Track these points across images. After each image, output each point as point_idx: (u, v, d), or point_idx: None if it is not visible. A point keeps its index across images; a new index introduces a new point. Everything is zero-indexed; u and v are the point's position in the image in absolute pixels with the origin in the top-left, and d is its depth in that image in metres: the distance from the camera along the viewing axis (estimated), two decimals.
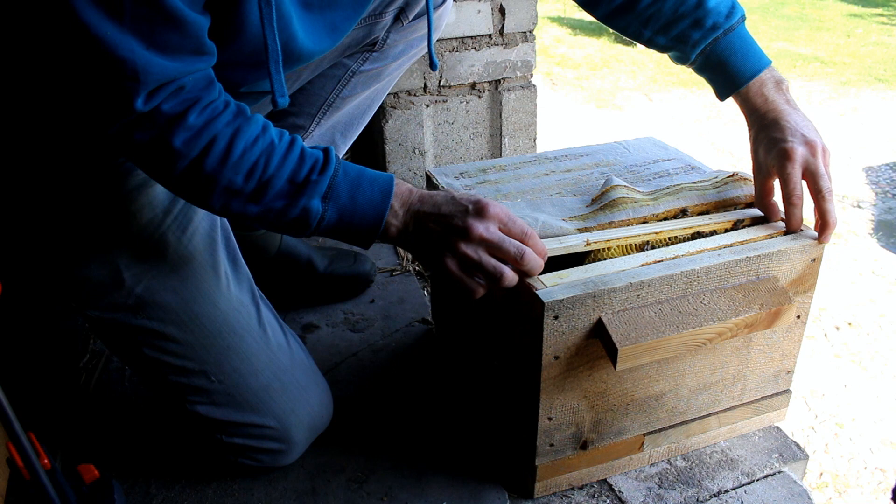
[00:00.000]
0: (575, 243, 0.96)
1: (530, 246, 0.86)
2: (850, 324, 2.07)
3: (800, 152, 0.97)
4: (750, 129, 1.05)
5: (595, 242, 0.96)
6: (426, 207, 0.86)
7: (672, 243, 0.99)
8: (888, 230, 2.70)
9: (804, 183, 0.98)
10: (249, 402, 1.02)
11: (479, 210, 0.84)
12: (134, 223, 0.95)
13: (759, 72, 1.02)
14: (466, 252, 0.84)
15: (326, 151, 0.84)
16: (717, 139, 3.76)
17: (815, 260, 1.01)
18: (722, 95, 1.08)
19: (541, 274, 0.91)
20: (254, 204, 0.82)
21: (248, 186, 0.80)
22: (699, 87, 4.90)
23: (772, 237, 1.00)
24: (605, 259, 0.96)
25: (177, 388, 1.00)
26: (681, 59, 1.09)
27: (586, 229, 1.01)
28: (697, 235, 1.01)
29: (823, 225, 0.98)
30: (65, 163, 0.92)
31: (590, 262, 0.95)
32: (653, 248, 0.98)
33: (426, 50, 1.40)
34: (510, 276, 0.85)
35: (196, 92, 0.77)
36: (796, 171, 0.97)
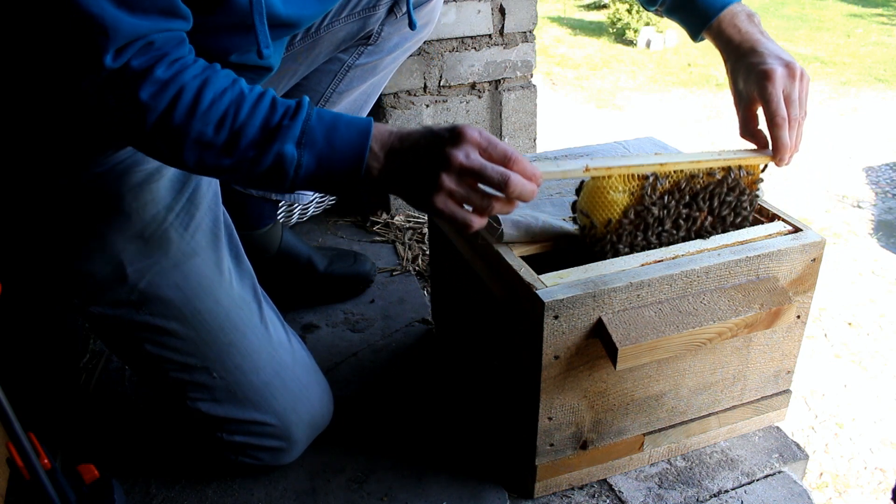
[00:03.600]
0: (574, 167, 0.91)
1: (516, 170, 0.80)
2: (850, 324, 2.07)
3: (779, 73, 0.96)
4: (726, 63, 1.04)
5: (595, 169, 0.92)
6: (406, 145, 0.81)
7: (678, 178, 0.96)
8: (888, 230, 2.70)
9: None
10: (251, 398, 1.02)
11: (456, 136, 0.79)
12: (137, 219, 0.96)
13: (728, 4, 1.02)
14: (450, 186, 0.79)
15: (300, 100, 0.81)
16: (717, 139, 3.76)
17: (815, 260, 1.01)
18: (695, 33, 1.07)
19: (541, 274, 0.91)
20: (227, 156, 0.79)
21: (219, 138, 0.78)
22: (699, 87, 4.90)
23: (771, 237, 1.00)
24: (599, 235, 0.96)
25: (178, 384, 1.00)
26: (650, 1, 1.10)
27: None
28: (698, 189, 0.98)
29: (778, 148, 0.97)
30: (68, 160, 0.92)
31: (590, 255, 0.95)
32: (657, 180, 0.95)
33: (420, 43, 1.40)
34: (499, 205, 0.81)
35: (165, 48, 0.76)
36: (777, 90, 0.95)
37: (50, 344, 1.32)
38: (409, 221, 1.79)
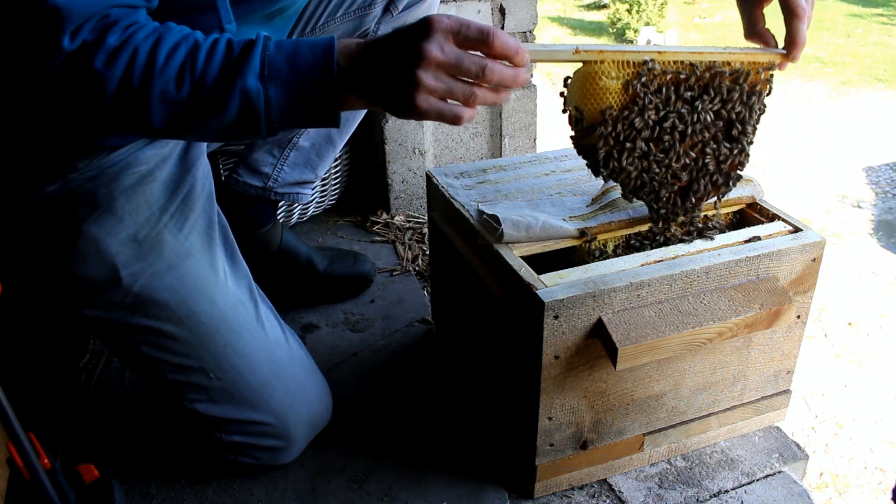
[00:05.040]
0: (562, 49, 0.85)
1: (496, 45, 0.75)
2: (850, 324, 2.07)
3: None
4: None
5: (586, 52, 0.85)
6: (375, 50, 0.77)
7: (678, 70, 0.90)
8: (888, 230, 2.70)
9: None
10: (248, 399, 1.02)
11: (426, 28, 0.74)
12: (130, 222, 0.95)
13: None
14: (429, 83, 0.75)
15: (255, 35, 0.78)
16: None
17: (815, 260, 1.01)
18: None
19: (541, 274, 0.91)
20: (194, 109, 0.77)
21: (182, 92, 0.76)
22: None
23: (771, 237, 1.00)
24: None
25: (175, 385, 1.00)
26: None
27: (587, 229, 1.01)
28: (702, 84, 0.93)
29: (797, 42, 0.92)
30: (61, 162, 0.92)
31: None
32: (651, 70, 0.89)
33: None
34: (482, 93, 0.77)
35: (117, 17, 0.75)
36: None
37: (50, 344, 1.32)
38: (409, 221, 1.79)
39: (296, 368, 1.06)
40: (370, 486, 1.06)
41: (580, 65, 0.87)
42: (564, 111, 0.91)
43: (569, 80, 0.90)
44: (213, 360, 0.99)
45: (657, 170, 0.94)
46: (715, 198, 1.03)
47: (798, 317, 1.05)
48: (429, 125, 1.75)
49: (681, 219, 1.02)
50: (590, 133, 0.90)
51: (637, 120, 0.90)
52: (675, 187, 0.99)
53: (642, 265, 0.94)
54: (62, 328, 1.34)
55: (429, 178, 1.20)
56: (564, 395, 0.95)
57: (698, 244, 0.98)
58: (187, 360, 0.99)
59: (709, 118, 0.94)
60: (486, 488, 1.05)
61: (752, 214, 1.10)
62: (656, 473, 1.06)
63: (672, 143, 0.94)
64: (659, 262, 0.94)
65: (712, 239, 1.00)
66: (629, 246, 1.04)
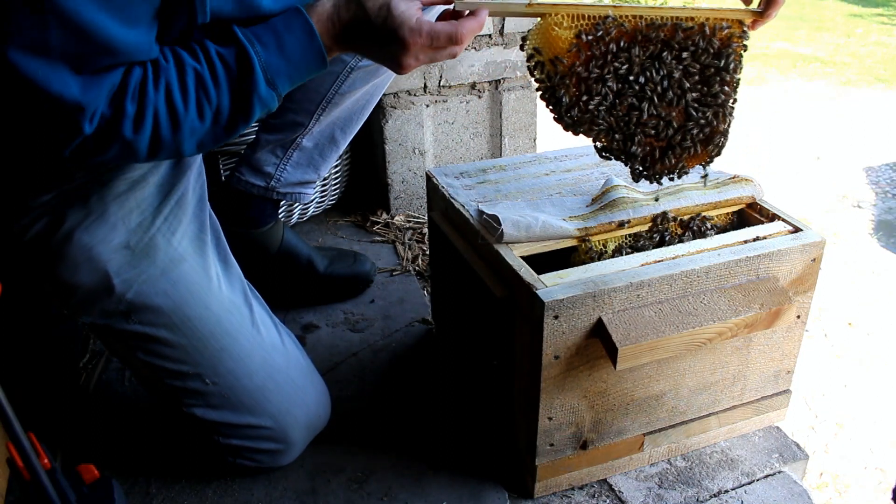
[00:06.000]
0: (517, 3, 0.88)
1: (463, 44, 0.86)
2: (850, 324, 2.07)
3: None
4: None
5: (539, 5, 0.88)
6: (357, 38, 0.86)
7: (637, 25, 0.89)
8: (888, 230, 2.70)
9: None
10: (245, 403, 1.01)
11: (400, 49, 0.84)
12: (123, 228, 0.94)
13: None
14: (413, 63, 0.86)
15: (241, 46, 0.82)
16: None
17: (815, 260, 1.01)
18: None
19: (541, 274, 0.92)
20: (220, 128, 0.84)
21: (205, 122, 0.83)
22: None
23: (771, 237, 1.00)
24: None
25: (173, 391, 1.00)
26: None
27: (587, 229, 1.01)
28: (666, 39, 0.91)
29: (773, 1, 0.92)
30: (60, 178, 0.92)
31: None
32: (606, 24, 0.88)
33: None
34: (460, 50, 0.87)
35: (127, 81, 0.77)
36: None
37: (50, 344, 1.32)
38: (409, 221, 1.79)
39: (293, 371, 1.06)
40: (370, 486, 1.06)
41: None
42: (524, 52, 0.92)
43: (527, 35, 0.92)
44: (209, 365, 0.99)
45: (624, 125, 0.94)
46: (701, 165, 1.00)
47: (798, 317, 1.05)
48: (428, 125, 1.75)
49: (665, 179, 1.01)
50: (548, 79, 0.91)
51: (595, 72, 0.90)
52: (649, 147, 0.97)
53: (642, 265, 0.94)
54: (62, 328, 1.34)
55: (429, 178, 1.20)
56: (564, 395, 0.95)
57: (698, 244, 0.98)
58: (183, 366, 0.98)
59: (675, 73, 0.93)
60: (486, 488, 1.05)
61: (752, 214, 1.10)
62: (656, 473, 1.06)
63: (639, 98, 0.93)
64: (659, 262, 0.94)
65: (710, 237, 1.00)
66: (630, 246, 1.04)
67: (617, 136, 0.95)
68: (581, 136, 0.96)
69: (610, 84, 0.91)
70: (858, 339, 2.01)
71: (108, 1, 0.70)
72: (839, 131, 3.67)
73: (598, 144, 0.97)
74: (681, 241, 1.02)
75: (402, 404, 1.22)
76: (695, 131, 0.97)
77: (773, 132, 3.54)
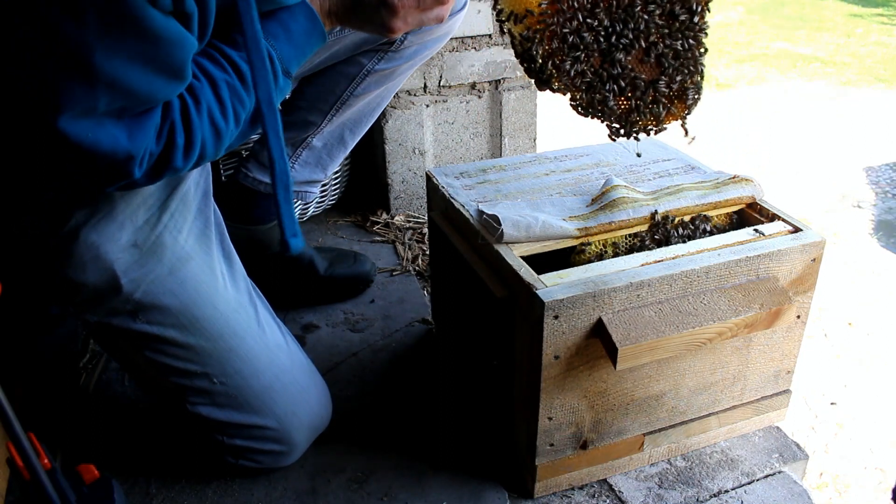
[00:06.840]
0: None
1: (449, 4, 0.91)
2: (850, 324, 2.07)
3: None
4: None
5: None
6: (351, 18, 0.91)
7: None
8: (888, 230, 2.70)
9: None
10: (251, 403, 1.01)
11: (389, 13, 0.88)
12: (130, 226, 0.94)
13: None
14: (401, 26, 0.90)
15: (249, 49, 0.84)
16: (719, 138, 3.75)
17: (815, 260, 1.01)
18: None
19: (541, 274, 0.91)
20: (247, 126, 0.87)
21: (241, 125, 0.86)
22: None
23: (771, 237, 1.00)
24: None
25: (178, 389, 1.00)
26: None
27: (587, 229, 1.01)
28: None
29: None
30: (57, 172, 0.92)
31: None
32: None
33: (437, 51, 1.41)
34: (446, 12, 0.92)
35: (170, 115, 0.79)
36: None
37: (50, 344, 1.32)
38: (409, 221, 1.79)
39: (297, 372, 1.06)
40: (370, 486, 1.06)
41: None
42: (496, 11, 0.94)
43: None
44: (218, 365, 0.99)
45: (598, 79, 0.92)
46: (679, 121, 0.97)
47: (798, 317, 1.05)
48: (428, 125, 1.75)
49: (642, 132, 0.97)
50: (518, 38, 0.91)
51: (567, 26, 0.89)
52: (625, 104, 0.94)
53: (642, 265, 0.94)
54: (62, 328, 1.34)
55: (429, 178, 1.20)
56: (564, 395, 0.95)
57: (698, 244, 0.98)
58: (191, 366, 0.98)
59: (644, 24, 0.91)
60: (486, 488, 1.05)
61: (752, 214, 1.10)
62: (656, 473, 1.06)
63: (610, 49, 0.91)
64: (659, 262, 0.94)
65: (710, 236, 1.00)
66: (630, 246, 1.04)
67: (592, 91, 0.93)
68: (557, 93, 0.94)
69: (584, 34, 0.90)
70: (858, 339, 2.01)
71: (155, 61, 0.71)
72: (839, 131, 3.67)
73: (573, 102, 0.96)
74: (681, 241, 1.02)
75: (402, 404, 1.22)
76: (667, 82, 0.95)
77: (773, 132, 3.54)
